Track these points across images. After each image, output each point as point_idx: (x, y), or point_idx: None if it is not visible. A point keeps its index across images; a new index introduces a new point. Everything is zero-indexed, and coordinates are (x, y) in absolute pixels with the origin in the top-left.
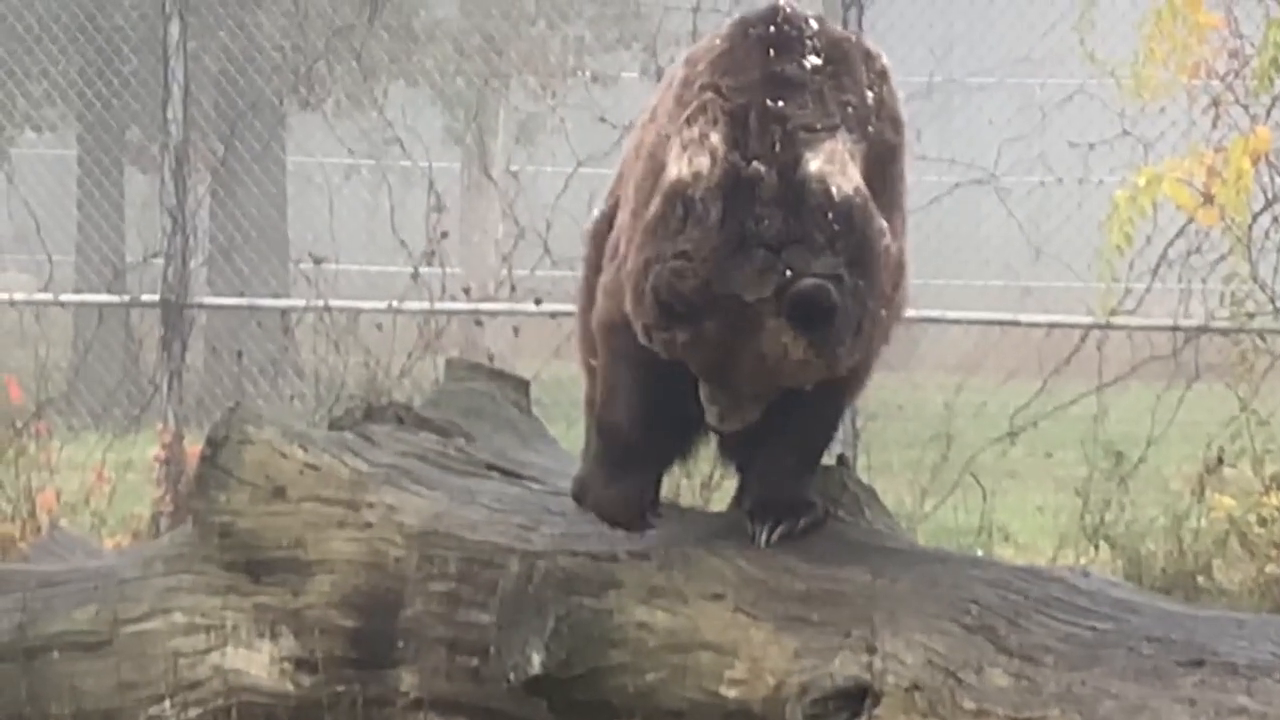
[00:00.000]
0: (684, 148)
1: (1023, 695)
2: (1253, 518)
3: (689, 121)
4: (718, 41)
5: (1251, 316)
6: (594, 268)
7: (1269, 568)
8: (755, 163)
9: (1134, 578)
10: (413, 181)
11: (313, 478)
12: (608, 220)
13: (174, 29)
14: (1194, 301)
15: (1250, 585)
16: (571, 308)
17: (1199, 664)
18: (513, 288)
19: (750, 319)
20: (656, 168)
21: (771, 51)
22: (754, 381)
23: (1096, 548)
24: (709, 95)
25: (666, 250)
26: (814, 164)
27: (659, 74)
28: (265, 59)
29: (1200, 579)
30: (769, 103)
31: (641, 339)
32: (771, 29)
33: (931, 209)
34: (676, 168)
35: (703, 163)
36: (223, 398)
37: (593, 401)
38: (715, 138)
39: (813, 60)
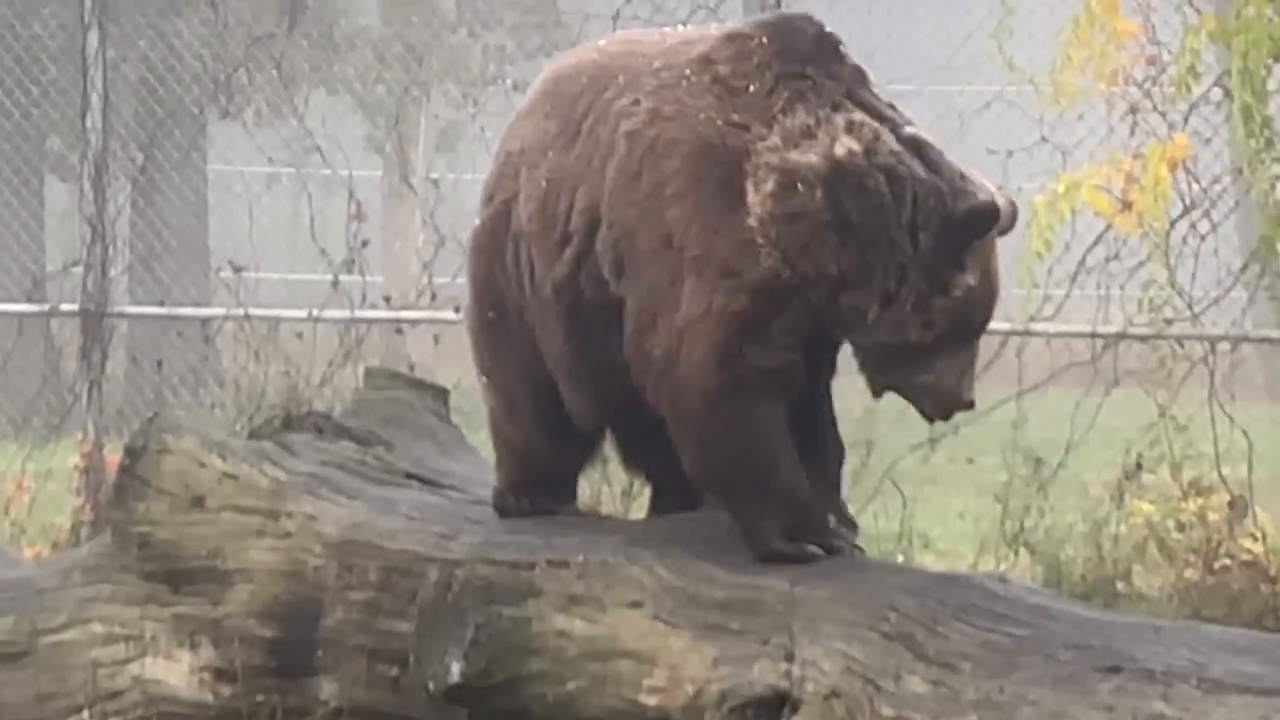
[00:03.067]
0: (807, 133)
1: (941, 702)
2: (1171, 523)
3: (786, 111)
4: (758, 40)
5: (1169, 323)
6: (483, 282)
7: (1187, 573)
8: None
9: (1054, 584)
10: (333, 190)
11: (231, 487)
12: (489, 229)
13: (93, 37)
14: (1112, 308)
15: (1169, 591)
16: None
17: (1116, 670)
18: (433, 296)
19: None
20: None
21: (828, 48)
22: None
23: (1016, 554)
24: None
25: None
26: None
27: None
28: (185, 68)
29: (1119, 585)
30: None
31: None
32: (811, 28)
33: None
34: (838, 149)
35: (866, 131)
36: (143, 407)
37: (498, 418)
38: (858, 116)
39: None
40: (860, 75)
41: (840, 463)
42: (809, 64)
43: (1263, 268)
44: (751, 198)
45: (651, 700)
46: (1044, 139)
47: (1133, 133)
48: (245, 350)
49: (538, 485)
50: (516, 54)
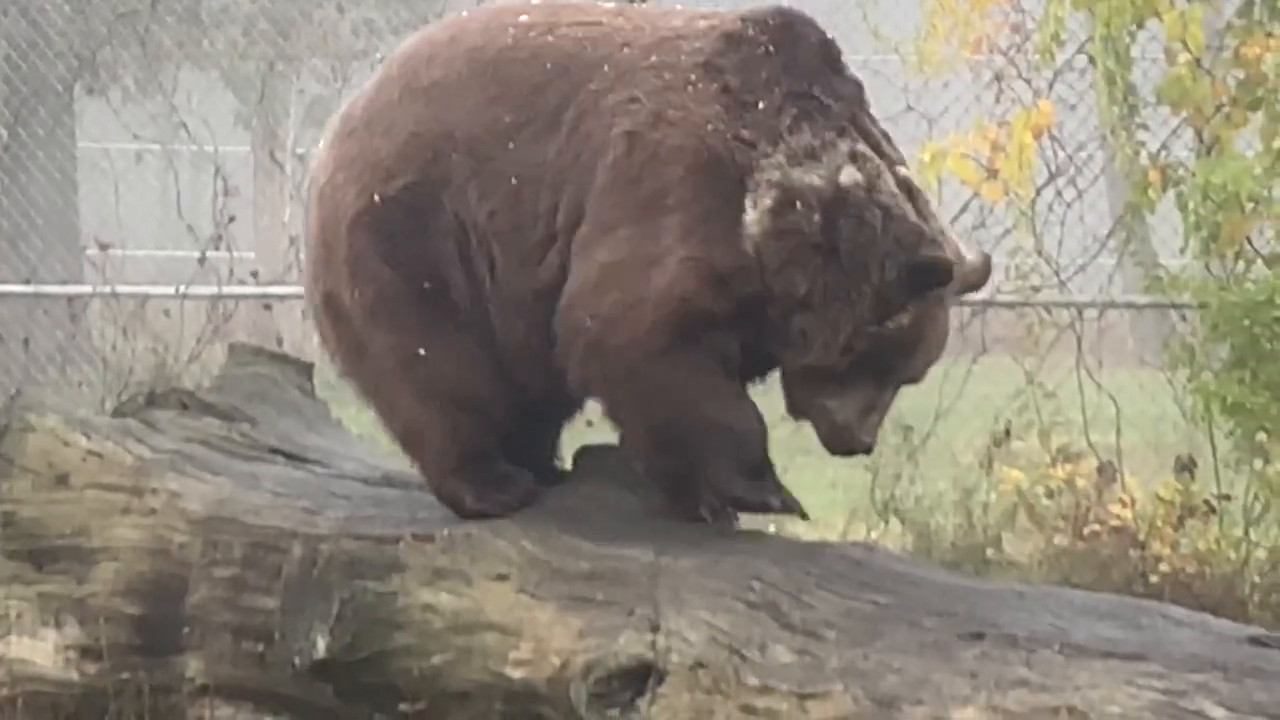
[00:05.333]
0: (812, 154)
1: (806, 671)
2: (1040, 490)
3: (792, 130)
4: (762, 43)
5: (1037, 290)
6: (408, 260)
7: (1057, 539)
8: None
9: (924, 552)
10: (202, 166)
11: (96, 465)
12: (399, 211)
13: None
14: None
15: (1039, 557)
16: None
17: (980, 637)
18: (300, 271)
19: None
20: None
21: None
22: (927, 361)
23: (887, 522)
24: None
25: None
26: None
27: None
28: (49, 44)
29: (990, 552)
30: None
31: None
32: (814, 35)
33: None
34: (843, 176)
35: (870, 167)
36: (10, 386)
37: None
38: (861, 147)
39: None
40: (859, 93)
41: None
42: (815, 82)
43: (1128, 234)
44: (749, 214)
45: (517, 673)
46: (910, 107)
47: (998, 100)
48: (113, 328)
49: (481, 471)
50: (384, 29)
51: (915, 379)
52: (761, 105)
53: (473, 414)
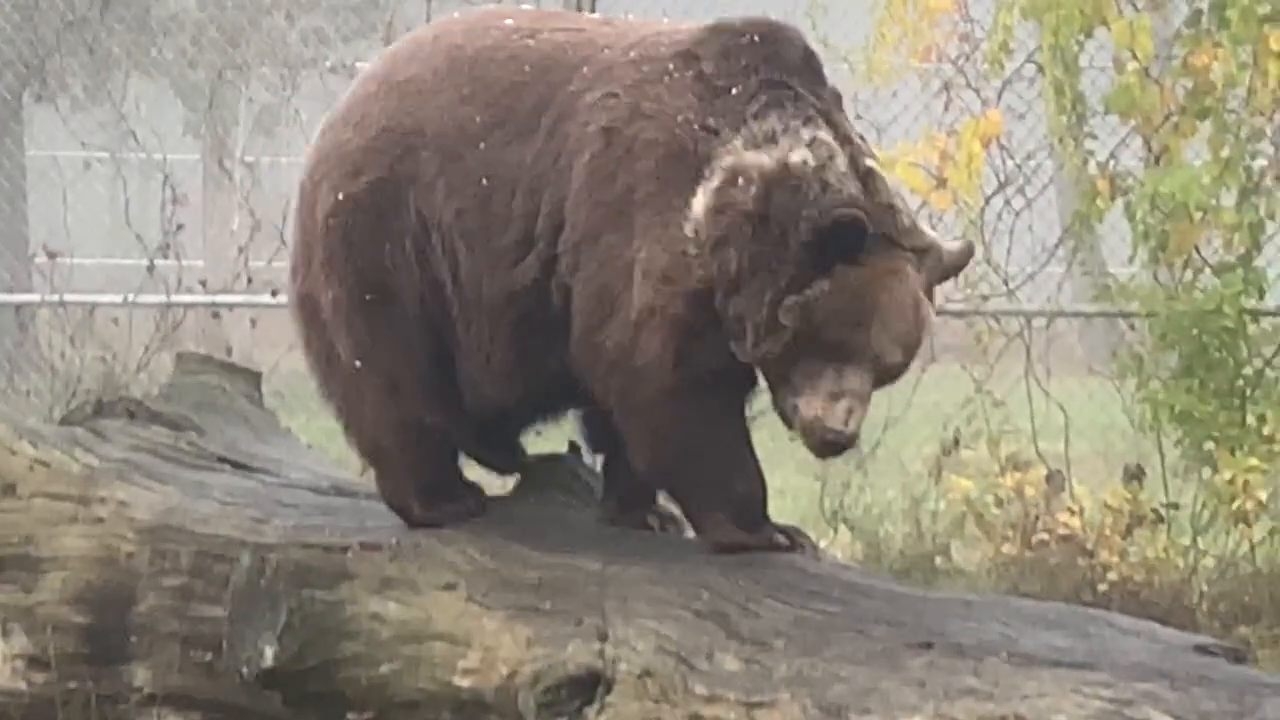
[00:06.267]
0: (771, 138)
1: (754, 680)
2: (989, 499)
3: (759, 115)
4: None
5: (985, 298)
6: (361, 262)
7: (1005, 548)
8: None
9: (873, 560)
10: (151, 174)
11: (43, 474)
12: (366, 207)
13: None
14: None
15: (987, 566)
16: None
17: (928, 646)
18: (249, 279)
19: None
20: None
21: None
22: (894, 338)
23: (835, 530)
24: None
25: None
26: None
27: None
28: None
29: (938, 560)
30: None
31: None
32: (800, 41)
33: None
34: (794, 155)
35: (824, 150)
36: None
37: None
38: (822, 134)
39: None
40: (838, 99)
41: None
42: (795, 75)
43: (1077, 243)
44: (696, 199)
45: (465, 682)
46: (859, 116)
47: (946, 109)
48: (61, 336)
49: (436, 484)
50: (334, 37)
51: (887, 360)
52: (734, 91)
53: (424, 426)
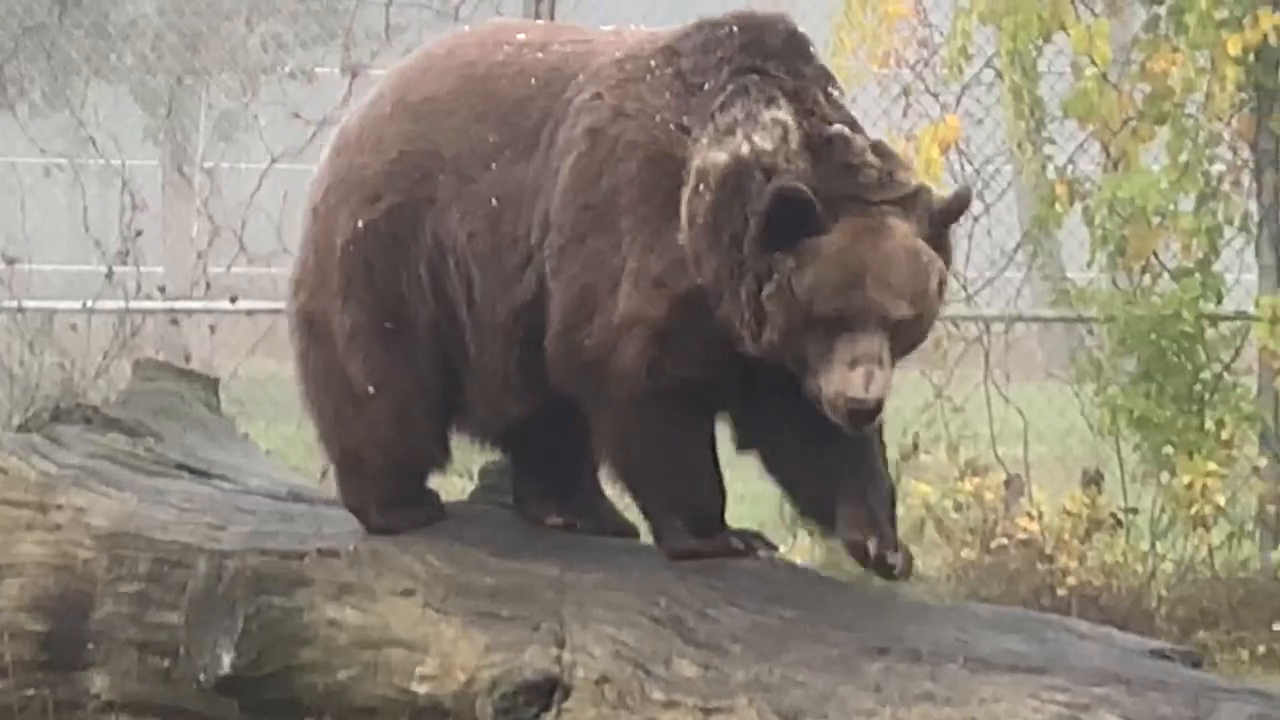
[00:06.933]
0: (730, 130)
1: (711, 685)
2: (948, 503)
3: (724, 107)
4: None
5: (944, 303)
6: (380, 289)
7: (965, 553)
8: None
9: (834, 565)
10: (110, 181)
11: (0, 481)
12: (385, 233)
13: None
14: None
15: (947, 571)
16: (269, 305)
17: (885, 651)
18: (208, 286)
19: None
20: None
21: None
22: (891, 289)
23: (795, 536)
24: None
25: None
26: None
27: (355, 70)
28: None
29: None
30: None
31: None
32: (783, 25)
33: None
34: (744, 147)
35: (778, 131)
36: None
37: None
38: (781, 113)
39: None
40: (824, 74)
41: (888, 494)
42: (772, 59)
43: (1036, 248)
44: (682, 207)
45: (423, 688)
46: None
47: (905, 114)
48: (20, 342)
49: (403, 496)
50: (293, 43)
51: (894, 316)
52: (706, 86)
53: (419, 449)
